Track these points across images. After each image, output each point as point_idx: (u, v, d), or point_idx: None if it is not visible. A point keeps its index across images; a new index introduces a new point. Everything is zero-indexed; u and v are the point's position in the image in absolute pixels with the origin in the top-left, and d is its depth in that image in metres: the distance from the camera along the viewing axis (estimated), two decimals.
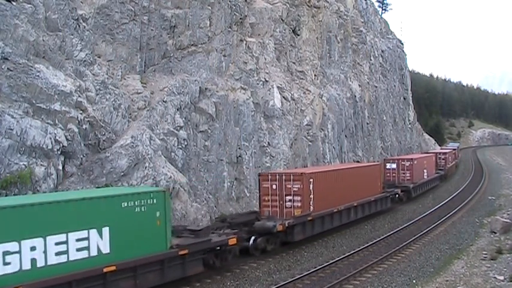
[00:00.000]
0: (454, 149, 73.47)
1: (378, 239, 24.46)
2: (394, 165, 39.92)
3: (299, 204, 22.81)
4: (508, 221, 25.99)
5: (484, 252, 21.40)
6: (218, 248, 18.32)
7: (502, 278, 17.40)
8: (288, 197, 22.91)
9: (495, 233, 24.97)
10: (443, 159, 57.24)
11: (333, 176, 26.06)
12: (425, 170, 43.95)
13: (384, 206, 32.43)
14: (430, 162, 47.79)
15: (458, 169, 69.01)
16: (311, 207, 23.29)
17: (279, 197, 23.04)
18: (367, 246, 23.07)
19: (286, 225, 21.46)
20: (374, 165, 33.79)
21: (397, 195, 35.37)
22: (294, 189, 22.83)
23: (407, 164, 39.62)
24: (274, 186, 23.13)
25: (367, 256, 21.32)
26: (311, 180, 23.35)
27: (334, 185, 25.52)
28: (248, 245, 20.61)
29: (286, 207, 22.93)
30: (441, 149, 78.26)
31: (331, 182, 25.40)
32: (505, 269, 18.35)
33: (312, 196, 23.33)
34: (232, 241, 18.73)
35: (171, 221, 16.70)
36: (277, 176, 23.27)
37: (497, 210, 32.82)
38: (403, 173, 39.33)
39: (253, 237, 20.78)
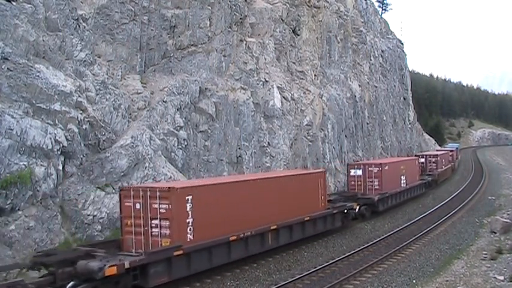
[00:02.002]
0: (452, 150, 68.48)
1: (378, 239, 24.45)
2: (359, 172, 32.75)
3: (167, 232, 16.33)
4: (508, 221, 25.99)
5: (484, 252, 21.39)
6: None
7: (502, 278, 17.40)
8: (155, 221, 16.54)
9: (495, 233, 24.97)
10: (434, 162, 51.13)
11: (230, 190, 18.99)
12: (403, 177, 36.86)
13: (329, 225, 25.36)
14: (412, 167, 40.42)
15: (457, 170, 68.71)
16: (188, 236, 16.70)
17: (143, 220, 16.68)
18: (367, 246, 23.06)
19: (127, 266, 14.58)
20: (311, 173, 26.13)
21: (355, 210, 28.21)
22: (161, 210, 16.34)
23: (376, 170, 32.44)
24: (137, 206, 16.73)
25: (367, 256, 21.31)
26: (188, 197, 16.72)
27: (233, 203, 18.75)
28: None
29: (152, 236, 16.56)
30: (436, 150, 73.24)
31: (228, 199, 18.51)
32: (505, 269, 18.35)
33: (190, 220, 16.70)
34: None
35: None
36: (141, 192, 16.73)
37: (497, 210, 32.82)
38: (370, 182, 32.24)
39: (71, 283, 14.18)
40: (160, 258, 15.80)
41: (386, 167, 33.35)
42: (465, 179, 56.17)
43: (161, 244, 16.41)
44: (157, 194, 16.48)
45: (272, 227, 20.64)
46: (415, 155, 54.40)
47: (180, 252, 16.28)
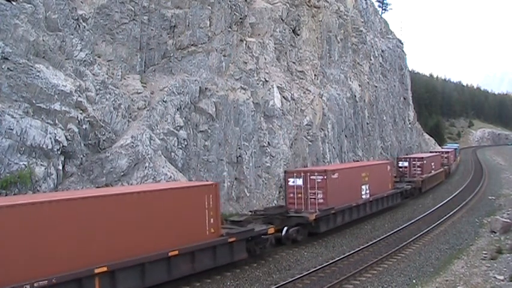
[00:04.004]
0: (448, 151, 62.12)
1: (378, 239, 24.45)
2: (299, 181, 25.29)
3: None
4: (508, 221, 25.99)
5: (484, 252, 21.39)
6: None
7: (502, 277, 17.40)
8: None
9: (495, 233, 24.97)
10: (418, 166, 43.39)
11: (7, 217, 12.29)
12: (365, 186, 29.35)
13: (223, 259, 18.38)
14: (381, 174, 32.41)
15: (457, 171, 68.70)
16: None
17: None
18: (367, 246, 23.06)
19: None
20: (189, 187, 18.13)
21: (281, 233, 22.15)
22: None
23: (319, 178, 24.98)
24: None
25: (367, 256, 21.32)
26: None
27: (14, 238, 12.31)
28: None
29: None
30: (430, 151, 67.72)
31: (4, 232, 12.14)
32: (505, 269, 18.35)
33: None
34: None
35: None
36: None
37: (497, 210, 32.81)
38: (313, 194, 24.91)
39: None
40: None
41: (335, 175, 25.85)
42: (465, 179, 56.13)
43: None
44: None
45: (98, 270, 13.83)
46: (397, 158, 48.03)
47: None
